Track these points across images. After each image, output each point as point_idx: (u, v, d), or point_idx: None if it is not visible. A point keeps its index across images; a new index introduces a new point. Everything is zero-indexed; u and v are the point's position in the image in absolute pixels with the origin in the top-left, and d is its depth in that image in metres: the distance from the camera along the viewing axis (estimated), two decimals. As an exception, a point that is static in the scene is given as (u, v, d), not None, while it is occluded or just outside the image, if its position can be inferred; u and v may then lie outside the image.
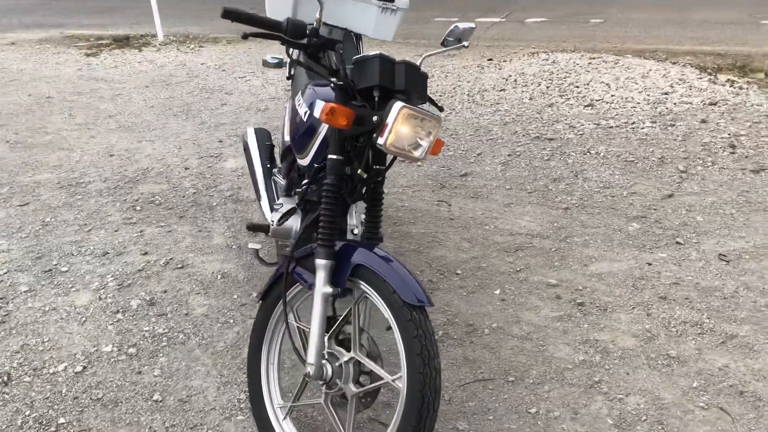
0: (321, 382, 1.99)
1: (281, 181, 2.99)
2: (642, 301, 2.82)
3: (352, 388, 1.98)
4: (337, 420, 2.01)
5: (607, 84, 5.96)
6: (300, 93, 2.33)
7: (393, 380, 1.89)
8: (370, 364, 1.97)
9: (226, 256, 3.34)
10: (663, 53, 7.46)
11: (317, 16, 1.96)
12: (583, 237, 3.37)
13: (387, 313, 1.88)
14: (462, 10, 11.04)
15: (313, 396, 2.19)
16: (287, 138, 2.64)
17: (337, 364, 1.99)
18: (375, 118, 1.87)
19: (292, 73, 3.10)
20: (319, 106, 1.88)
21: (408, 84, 1.91)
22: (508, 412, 2.28)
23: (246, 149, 3.28)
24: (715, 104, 5.14)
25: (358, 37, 3.14)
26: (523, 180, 4.04)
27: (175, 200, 3.99)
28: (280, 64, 3.29)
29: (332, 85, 1.98)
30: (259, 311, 2.22)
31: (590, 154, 4.37)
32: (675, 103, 5.24)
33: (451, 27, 2.03)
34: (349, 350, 2.00)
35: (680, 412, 2.24)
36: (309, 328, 2.10)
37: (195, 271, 3.22)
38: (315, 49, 1.96)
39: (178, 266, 3.27)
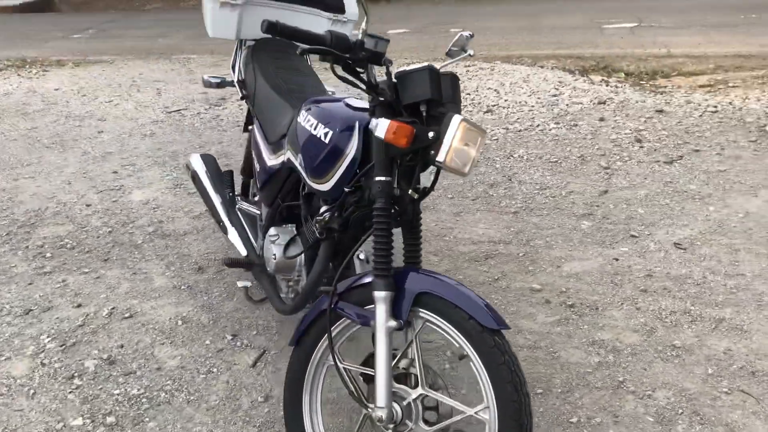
0: (390, 425, 1.80)
1: (254, 211, 2.72)
2: (627, 297, 2.88)
3: (424, 427, 1.81)
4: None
5: (495, 90, 6.13)
6: (306, 112, 2.11)
7: (476, 412, 1.75)
8: (445, 399, 1.81)
9: (177, 299, 2.99)
10: (528, 58, 7.83)
11: (363, 27, 1.79)
12: (544, 239, 3.40)
13: (462, 341, 1.74)
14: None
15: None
16: (273, 164, 2.40)
17: (405, 403, 1.81)
18: (431, 134, 1.73)
19: (244, 93, 2.85)
20: (383, 126, 1.71)
21: (453, 95, 1.80)
22: (552, 426, 2.20)
23: (195, 179, 2.96)
24: (603, 103, 5.45)
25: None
26: (462, 188, 4.02)
27: (89, 242, 3.53)
28: (222, 84, 3.01)
29: (371, 101, 1.82)
30: (293, 357, 1.98)
31: (513, 157, 4.45)
32: (567, 105, 5.49)
33: (456, 37, 1.93)
34: (414, 387, 1.83)
35: (709, 400, 2.28)
36: (357, 368, 1.92)
37: (148, 319, 2.85)
38: (360, 63, 1.79)
39: (126, 316, 2.88)
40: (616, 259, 3.17)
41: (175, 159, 4.77)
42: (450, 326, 1.75)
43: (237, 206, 2.84)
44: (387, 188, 1.79)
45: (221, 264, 3.02)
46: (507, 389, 1.68)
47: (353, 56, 1.77)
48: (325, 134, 1.97)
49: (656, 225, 3.48)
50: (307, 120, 2.09)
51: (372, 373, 1.89)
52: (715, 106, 5.27)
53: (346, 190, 1.95)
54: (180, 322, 2.82)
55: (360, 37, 1.78)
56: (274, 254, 2.28)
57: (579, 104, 5.48)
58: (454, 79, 1.80)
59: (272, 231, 2.37)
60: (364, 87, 1.80)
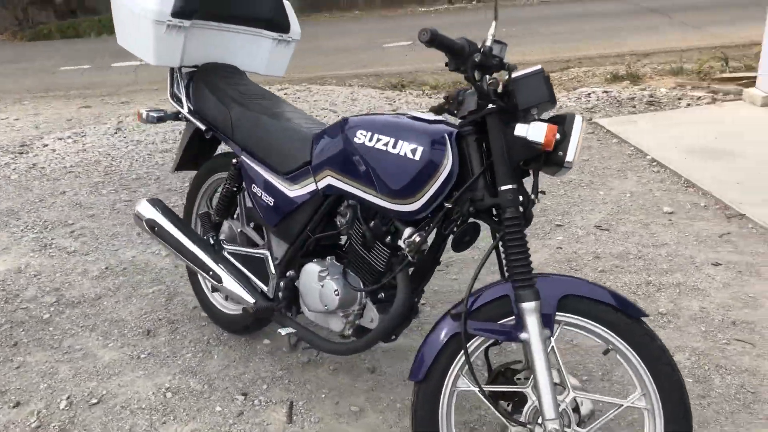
0: None
1: (257, 252, 2.42)
2: (594, 278, 3.08)
3: (578, 429, 1.77)
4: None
5: (331, 110, 6.15)
6: (364, 132, 1.95)
7: (633, 402, 1.76)
8: (598, 397, 1.80)
9: (145, 370, 2.56)
10: (332, 78, 7.99)
11: (491, 32, 1.70)
12: (480, 241, 3.48)
13: (609, 335, 1.75)
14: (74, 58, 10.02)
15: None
16: (298, 194, 2.17)
17: (560, 410, 1.76)
18: (558, 135, 1.72)
19: (202, 124, 2.54)
20: (541, 130, 1.64)
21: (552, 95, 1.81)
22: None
23: (156, 228, 2.55)
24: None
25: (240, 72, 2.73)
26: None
27: (-24, 329, 2.87)
28: (163, 119, 2.65)
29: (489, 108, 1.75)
30: (420, 394, 1.81)
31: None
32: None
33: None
34: (560, 393, 1.79)
35: (720, 353, 2.54)
36: (506, 388, 1.84)
37: (125, 399, 2.40)
38: (489, 70, 1.71)
39: (93, 402, 2.39)
40: (560, 248, 3.38)
41: (18, 217, 4.05)
42: (594, 323, 1.75)
43: (225, 251, 2.51)
44: (516, 196, 1.73)
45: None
46: (667, 371, 1.72)
47: (485, 62, 1.70)
48: (413, 151, 1.84)
49: (569, 213, 3.77)
50: (373, 139, 1.93)
51: (508, 389, 1.82)
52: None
53: (447, 205, 1.84)
54: (169, 395, 2.41)
55: (488, 43, 1.71)
56: (336, 290, 2.06)
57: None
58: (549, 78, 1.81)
59: (313, 267, 2.15)
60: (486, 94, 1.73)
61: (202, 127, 2.54)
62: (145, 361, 2.61)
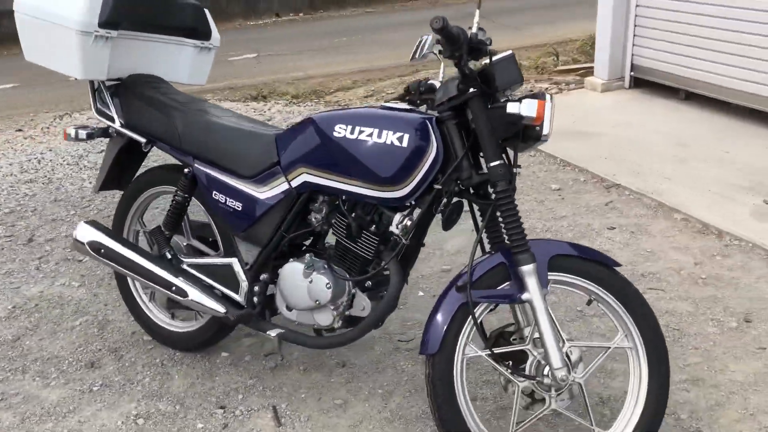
0: (555, 388, 1.91)
1: (223, 260, 2.36)
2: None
3: (578, 374, 1.95)
4: (587, 407, 1.97)
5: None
6: (344, 125, 2.01)
7: (617, 343, 1.98)
8: (586, 344, 2.00)
9: (103, 403, 2.40)
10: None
11: (476, 20, 1.83)
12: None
13: (592, 287, 1.95)
14: None
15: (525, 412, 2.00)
16: (269, 195, 2.17)
17: None
18: None
19: (139, 137, 2.46)
20: (533, 105, 1.79)
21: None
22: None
23: (100, 250, 2.41)
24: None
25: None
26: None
27: None
28: (93, 135, 2.51)
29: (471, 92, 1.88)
30: (436, 365, 1.91)
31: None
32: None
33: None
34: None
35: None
36: (512, 348, 1.98)
37: (94, 433, 2.25)
38: (477, 55, 1.84)
39: (57, 443, 2.22)
40: (472, 230, 3.60)
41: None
42: (579, 278, 1.95)
43: (184, 264, 2.42)
44: (506, 170, 1.88)
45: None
46: (643, 311, 1.96)
47: (476, 47, 1.82)
48: (399, 139, 1.93)
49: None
50: (355, 131, 2.00)
51: (512, 350, 1.97)
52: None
53: (437, 187, 1.95)
54: (141, 421, 2.30)
55: (474, 30, 1.83)
56: (327, 283, 2.09)
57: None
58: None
59: (295, 265, 2.16)
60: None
61: (142, 140, 2.44)
62: (99, 393, 2.45)
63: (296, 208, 2.18)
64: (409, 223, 2.01)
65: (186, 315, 2.66)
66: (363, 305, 2.16)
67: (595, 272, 1.95)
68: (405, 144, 1.93)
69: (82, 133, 2.49)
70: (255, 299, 2.30)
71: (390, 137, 1.95)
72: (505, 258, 1.92)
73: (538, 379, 1.92)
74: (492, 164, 1.88)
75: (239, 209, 2.25)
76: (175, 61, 2.69)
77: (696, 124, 4.97)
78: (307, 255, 2.19)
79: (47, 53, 2.43)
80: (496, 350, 1.95)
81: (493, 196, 1.91)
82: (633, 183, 3.98)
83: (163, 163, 2.69)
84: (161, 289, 2.36)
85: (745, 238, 3.31)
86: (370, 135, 1.98)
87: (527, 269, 1.86)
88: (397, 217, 2.03)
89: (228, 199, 2.27)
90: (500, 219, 1.91)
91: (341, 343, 2.18)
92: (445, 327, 1.90)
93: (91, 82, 2.55)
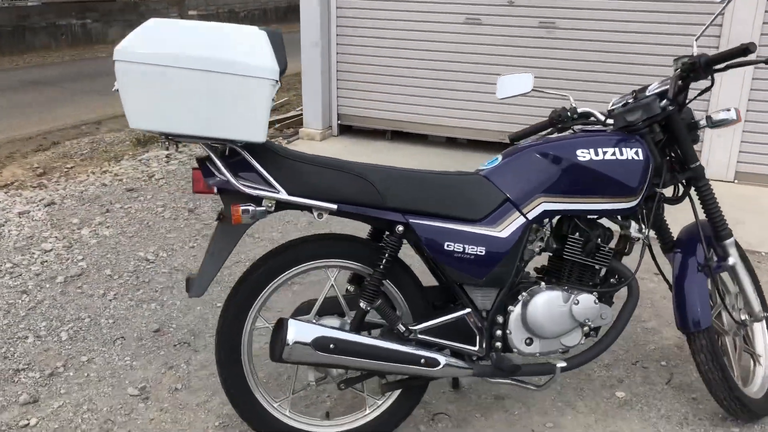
0: None
1: (456, 314, 2.16)
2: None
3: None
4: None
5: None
6: (588, 149, 2.19)
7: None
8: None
9: None
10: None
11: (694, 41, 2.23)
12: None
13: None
14: None
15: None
16: (508, 233, 2.18)
17: None
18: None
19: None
20: (733, 111, 2.28)
21: None
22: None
23: (332, 346, 1.94)
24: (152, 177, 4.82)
25: None
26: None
27: None
28: (266, 212, 1.97)
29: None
30: (710, 338, 2.30)
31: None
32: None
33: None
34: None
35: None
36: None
37: None
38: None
39: None
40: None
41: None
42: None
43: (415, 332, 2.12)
44: (702, 168, 2.38)
45: None
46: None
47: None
48: (636, 153, 2.24)
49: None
50: (599, 153, 2.20)
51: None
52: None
53: (659, 191, 2.33)
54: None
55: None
56: (594, 299, 2.28)
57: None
58: None
59: (548, 294, 2.25)
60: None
61: (333, 207, 2.05)
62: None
63: (529, 238, 2.24)
64: (644, 226, 2.33)
65: (344, 410, 2.29)
66: (603, 314, 2.35)
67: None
68: (641, 157, 2.26)
69: (261, 211, 1.96)
70: (498, 344, 2.23)
71: (628, 153, 2.25)
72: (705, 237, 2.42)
73: (747, 324, 2.49)
74: (692, 165, 2.36)
75: (482, 254, 2.17)
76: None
77: (406, 157, 5.83)
78: (542, 283, 2.28)
79: (203, 114, 1.84)
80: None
81: (693, 190, 2.40)
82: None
83: (327, 232, 2.16)
84: (408, 367, 2.07)
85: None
86: (614, 154, 2.24)
87: (729, 242, 2.43)
88: (634, 225, 2.33)
89: (467, 246, 2.15)
90: (701, 206, 2.40)
91: (597, 354, 2.32)
92: (707, 301, 2.32)
93: (214, 149, 2.00)
